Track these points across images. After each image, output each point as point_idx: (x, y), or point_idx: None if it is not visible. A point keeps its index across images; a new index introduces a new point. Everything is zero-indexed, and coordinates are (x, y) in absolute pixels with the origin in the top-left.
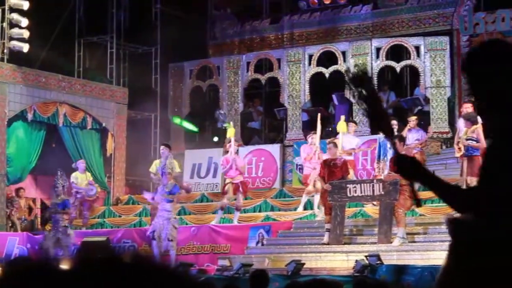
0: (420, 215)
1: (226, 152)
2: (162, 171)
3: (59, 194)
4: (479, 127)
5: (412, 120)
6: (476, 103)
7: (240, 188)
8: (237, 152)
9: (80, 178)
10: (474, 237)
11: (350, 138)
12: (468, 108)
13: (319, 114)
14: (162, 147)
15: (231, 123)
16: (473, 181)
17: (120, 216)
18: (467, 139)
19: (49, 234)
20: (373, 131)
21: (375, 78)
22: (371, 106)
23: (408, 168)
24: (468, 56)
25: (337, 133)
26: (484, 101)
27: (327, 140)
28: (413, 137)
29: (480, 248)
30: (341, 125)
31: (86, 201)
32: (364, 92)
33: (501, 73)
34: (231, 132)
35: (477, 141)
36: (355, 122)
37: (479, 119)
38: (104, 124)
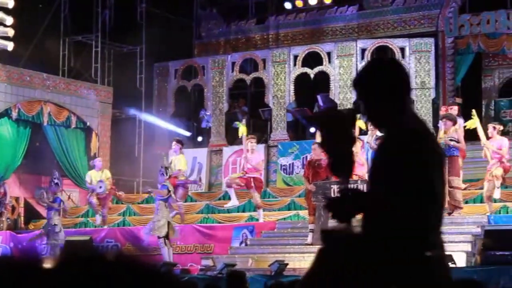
0: None
1: (247, 151)
2: (159, 171)
3: (54, 191)
4: (460, 128)
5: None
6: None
7: (253, 184)
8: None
9: (93, 177)
10: (338, 247)
11: None
12: (453, 109)
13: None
14: (173, 142)
15: (244, 121)
16: (453, 180)
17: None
18: (449, 139)
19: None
20: (334, 172)
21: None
22: (336, 146)
23: (343, 210)
24: (356, 78)
25: None
26: (371, 120)
27: (314, 141)
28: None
29: (341, 256)
30: None
31: (102, 199)
32: (332, 131)
33: (376, 94)
34: (243, 130)
35: (458, 141)
36: None
37: (459, 119)
38: (88, 123)
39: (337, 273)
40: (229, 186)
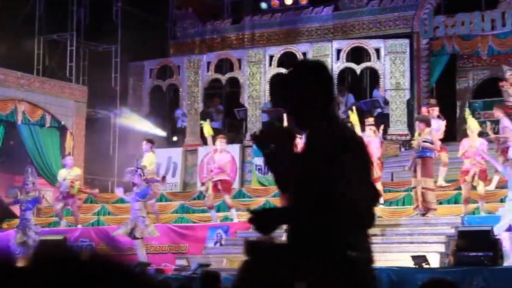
0: (378, 217)
1: (215, 151)
2: (135, 171)
3: (29, 191)
4: (439, 129)
5: (370, 121)
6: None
7: (220, 187)
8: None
9: (62, 175)
10: (264, 258)
11: None
12: (434, 111)
13: None
14: (144, 142)
15: (208, 120)
16: (426, 181)
17: None
18: (423, 141)
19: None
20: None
21: (336, 80)
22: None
23: (265, 223)
24: (280, 81)
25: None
26: (294, 122)
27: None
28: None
29: (268, 267)
30: (353, 117)
31: (69, 197)
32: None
33: (297, 96)
34: (208, 130)
35: (431, 142)
36: None
37: (433, 121)
38: (63, 122)
39: (266, 283)
40: (211, 208)
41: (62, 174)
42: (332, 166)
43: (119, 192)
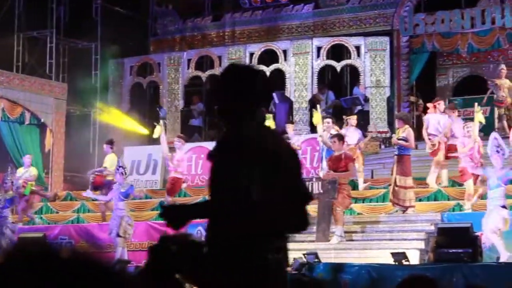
0: (358, 214)
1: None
2: (117, 170)
3: (7, 189)
4: (409, 128)
5: (353, 118)
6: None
7: (168, 185)
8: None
9: (19, 173)
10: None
11: (290, 137)
12: (440, 105)
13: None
14: (104, 144)
15: (161, 122)
16: (401, 179)
17: (57, 212)
18: (398, 139)
19: None
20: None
21: (316, 77)
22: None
23: (176, 218)
24: (212, 82)
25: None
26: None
27: None
28: (353, 135)
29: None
30: (316, 116)
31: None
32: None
33: (225, 98)
34: (159, 130)
35: (407, 140)
36: (292, 122)
37: (440, 116)
38: (42, 120)
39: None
40: None
41: (19, 172)
42: (246, 168)
43: (87, 194)
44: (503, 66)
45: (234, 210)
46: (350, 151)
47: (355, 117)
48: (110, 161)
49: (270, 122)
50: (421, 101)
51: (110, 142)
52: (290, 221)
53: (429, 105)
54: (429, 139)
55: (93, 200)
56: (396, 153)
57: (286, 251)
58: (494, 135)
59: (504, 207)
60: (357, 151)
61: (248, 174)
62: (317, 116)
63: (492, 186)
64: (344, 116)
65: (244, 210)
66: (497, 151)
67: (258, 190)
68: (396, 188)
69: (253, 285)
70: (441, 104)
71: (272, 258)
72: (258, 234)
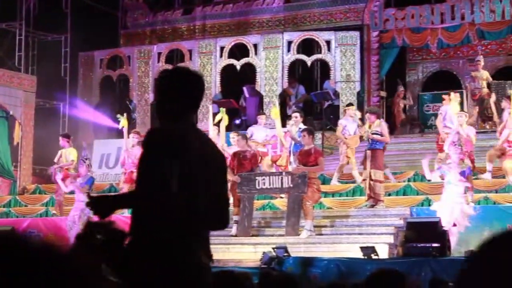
0: (328, 208)
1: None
2: (82, 163)
3: None
4: (383, 122)
5: (351, 109)
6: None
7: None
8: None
9: None
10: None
11: (261, 129)
12: (456, 96)
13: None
14: (60, 138)
15: (125, 114)
16: (376, 173)
17: (26, 206)
18: (372, 133)
19: None
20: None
21: (286, 72)
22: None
23: (103, 208)
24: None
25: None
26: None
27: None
28: (351, 126)
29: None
30: (274, 112)
31: None
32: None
33: (160, 97)
34: (124, 123)
35: (381, 134)
36: (264, 114)
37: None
38: (11, 112)
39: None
40: None
41: None
42: (166, 160)
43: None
44: (479, 58)
45: (152, 201)
46: (351, 141)
47: (353, 107)
48: (73, 154)
49: (224, 115)
50: (402, 88)
51: (66, 136)
52: (207, 217)
53: (445, 96)
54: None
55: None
56: (369, 147)
57: (208, 250)
58: (457, 129)
59: (462, 201)
60: (358, 141)
61: (167, 166)
62: (275, 111)
63: (450, 182)
64: (343, 107)
65: (162, 202)
66: (455, 145)
67: (176, 183)
68: (371, 182)
69: (180, 283)
70: (456, 95)
71: (197, 257)
72: (181, 230)
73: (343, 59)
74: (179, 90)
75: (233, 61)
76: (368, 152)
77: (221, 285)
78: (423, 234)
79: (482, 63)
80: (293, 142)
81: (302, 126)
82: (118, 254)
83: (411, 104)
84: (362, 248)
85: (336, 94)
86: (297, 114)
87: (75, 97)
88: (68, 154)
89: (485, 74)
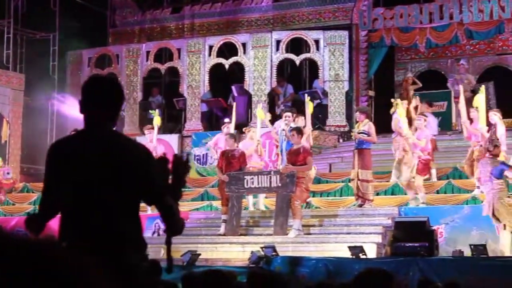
0: (316, 207)
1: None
2: None
3: None
4: (370, 122)
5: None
6: None
7: None
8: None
9: None
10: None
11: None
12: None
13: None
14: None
15: (157, 111)
16: (363, 173)
17: (14, 204)
18: (359, 132)
19: None
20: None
21: (275, 71)
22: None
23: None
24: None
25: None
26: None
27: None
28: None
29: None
30: (259, 113)
31: None
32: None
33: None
34: (157, 120)
35: (368, 134)
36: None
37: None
38: None
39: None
40: None
41: None
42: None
43: None
44: (462, 61)
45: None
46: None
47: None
48: None
49: (259, 112)
50: (410, 74)
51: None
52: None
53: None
54: None
55: None
56: (356, 146)
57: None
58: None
59: None
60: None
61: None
62: (260, 112)
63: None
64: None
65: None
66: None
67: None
68: (359, 182)
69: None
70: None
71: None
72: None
73: (331, 58)
74: (105, 99)
75: (221, 60)
76: (355, 151)
77: (209, 284)
78: (411, 233)
79: (466, 66)
80: (285, 141)
81: (293, 124)
82: None
83: (420, 86)
84: (350, 248)
85: (325, 93)
86: (289, 114)
87: (64, 95)
88: None
89: (468, 77)
